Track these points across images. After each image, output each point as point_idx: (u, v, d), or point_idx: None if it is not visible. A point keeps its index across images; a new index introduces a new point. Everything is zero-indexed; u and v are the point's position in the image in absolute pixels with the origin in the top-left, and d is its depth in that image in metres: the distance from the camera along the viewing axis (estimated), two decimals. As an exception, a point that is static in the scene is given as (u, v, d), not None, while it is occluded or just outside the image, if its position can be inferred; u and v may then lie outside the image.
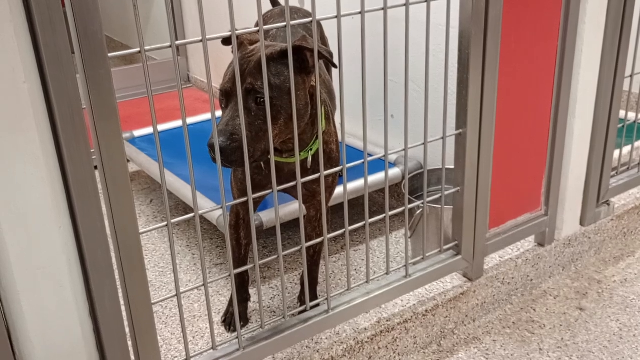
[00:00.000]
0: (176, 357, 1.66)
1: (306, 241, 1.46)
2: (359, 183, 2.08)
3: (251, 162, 1.29)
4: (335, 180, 1.59)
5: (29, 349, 1.12)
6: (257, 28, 1.17)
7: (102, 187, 1.09)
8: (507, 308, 1.90)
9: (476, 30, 1.48)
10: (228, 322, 1.76)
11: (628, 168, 2.15)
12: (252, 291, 1.84)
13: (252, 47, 1.34)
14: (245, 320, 1.76)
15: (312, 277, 1.74)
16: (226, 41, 1.27)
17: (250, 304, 1.80)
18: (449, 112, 1.54)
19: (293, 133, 1.32)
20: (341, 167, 1.41)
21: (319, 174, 1.36)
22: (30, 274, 1.07)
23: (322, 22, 2.01)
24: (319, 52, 1.26)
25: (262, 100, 1.27)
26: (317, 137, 1.44)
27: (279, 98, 1.28)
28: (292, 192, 1.56)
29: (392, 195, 2.42)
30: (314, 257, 1.71)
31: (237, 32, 1.15)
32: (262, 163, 1.49)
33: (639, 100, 2.45)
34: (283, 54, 1.28)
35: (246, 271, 1.73)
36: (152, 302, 1.23)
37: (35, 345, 1.12)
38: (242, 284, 1.74)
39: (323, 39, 1.99)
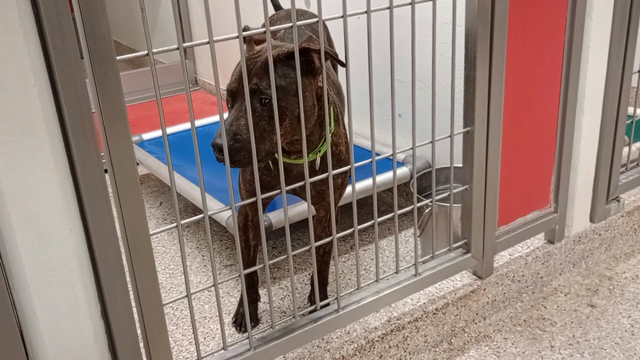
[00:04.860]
0: (187, 357, 1.67)
1: (316, 241, 1.46)
2: (367, 182, 2.08)
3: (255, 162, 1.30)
4: (344, 181, 1.59)
5: (41, 351, 1.13)
6: (264, 29, 1.18)
7: (112, 189, 1.10)
8: (518, 306, 1.90)
9: (482, 28, 1.48)
10: (238, 323, 1.76)
11: (638, 164, 2.14)
12: (262, 292, 1.85)
13: (259, 47, 1.34)
14: (255, 320, 1.77)
15: (322, 276, 1.75)
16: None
17: (260, 305, 1.81)
18: (456, 110, 1.54)
19: (299, 134, 1.33)
20: (349, 166, 1.42)
21: (332, 172, 1.37)
22: (42, 276, 1.08)
23: (328, 23, 2.01)
24: (326, 53, 1.27)
25: (266, 100, 1.27)
26: (325, 139, 1.45)
27: (284, 99, 1.28)
28: (300, 194, 1.56)
29: (400, 195, 2.42)
30: (324, 257, 1.71)
31: (243, 33, 1.16)
32: (271, 164, 1.50)
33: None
34: (290, 55, 1.29)
35: (256, 272, 1.74)
36: (163, 303, 1.23)
37: (48, 347, 1.13)
38: (251, 285, 1.74)
39: (329, 41, 1.99)
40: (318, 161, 1.47)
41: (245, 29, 1.37)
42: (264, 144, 1.29)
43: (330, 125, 1.44)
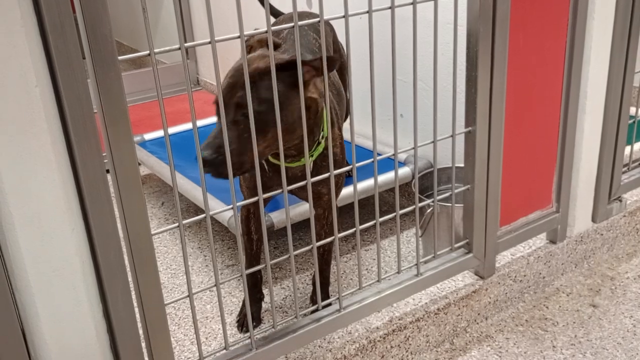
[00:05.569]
0: (189, 357, 1.67)
1: (316, 240, 1.46)
2: (368, 182, 2.08)
3: (240, 173, 1.30)
4: (341, 182, 1.60)
5: (44, 350, 1.13)
6: (265, 29, 1.18)
7: (114, 190, 1.10)
8: (520, 306, 1.90)
9: (484, 28, 1.48)
10: (240, 323, 1.76)
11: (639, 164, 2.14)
12: (265, 291, 1.85)
13: (249, 57, 1.32)
14: (258, 320, 1.77)
15: (324, 276, 1.75)
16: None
17: (263, 304, 1.81)
18: (458, 110, 1.54)
19: (288, 143, 1.33)
20: (350, 166, 1.42)
21: (327, 174, 1.37)
22: (44, 276, 1.09)
23: (332, 23, 2.01)
24: (314, 65, 1.27)
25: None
26: (318, 144, 1.45)
27: (270, 112, 1.26)
28: (297, 194, 1.57)
29: (402, 195, 2.42)
30: (324, 255, 1.71)
31: (245, 34, 1.16)
32: (265, 165, 1.50)
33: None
34: (279, 67, 1.26)
35: (259, 270, 1.74)
36: (165, 303, 1.24)
37: (50, 347, 1.13)
38: (255, 284, 1.74)
39: (336, 43, 1.98)
40: (311, 165, 1.48)
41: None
42: (248, 156, 1.29)
43: (323, 130, 1.44)
